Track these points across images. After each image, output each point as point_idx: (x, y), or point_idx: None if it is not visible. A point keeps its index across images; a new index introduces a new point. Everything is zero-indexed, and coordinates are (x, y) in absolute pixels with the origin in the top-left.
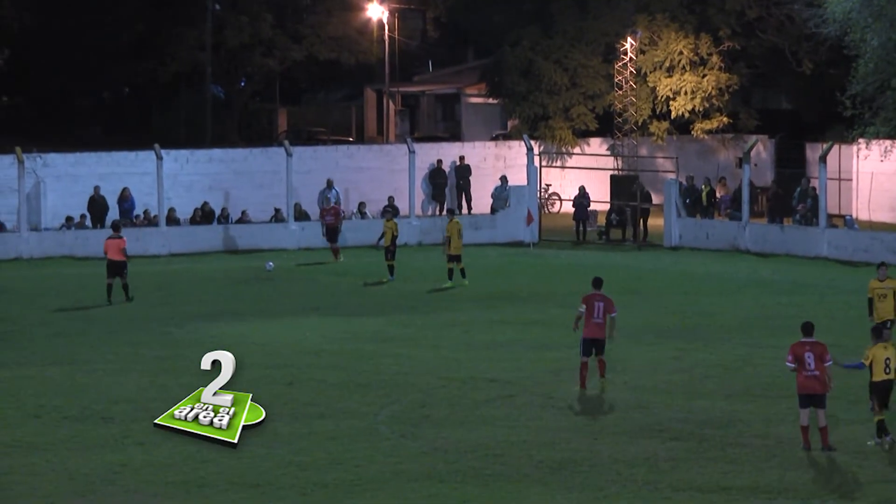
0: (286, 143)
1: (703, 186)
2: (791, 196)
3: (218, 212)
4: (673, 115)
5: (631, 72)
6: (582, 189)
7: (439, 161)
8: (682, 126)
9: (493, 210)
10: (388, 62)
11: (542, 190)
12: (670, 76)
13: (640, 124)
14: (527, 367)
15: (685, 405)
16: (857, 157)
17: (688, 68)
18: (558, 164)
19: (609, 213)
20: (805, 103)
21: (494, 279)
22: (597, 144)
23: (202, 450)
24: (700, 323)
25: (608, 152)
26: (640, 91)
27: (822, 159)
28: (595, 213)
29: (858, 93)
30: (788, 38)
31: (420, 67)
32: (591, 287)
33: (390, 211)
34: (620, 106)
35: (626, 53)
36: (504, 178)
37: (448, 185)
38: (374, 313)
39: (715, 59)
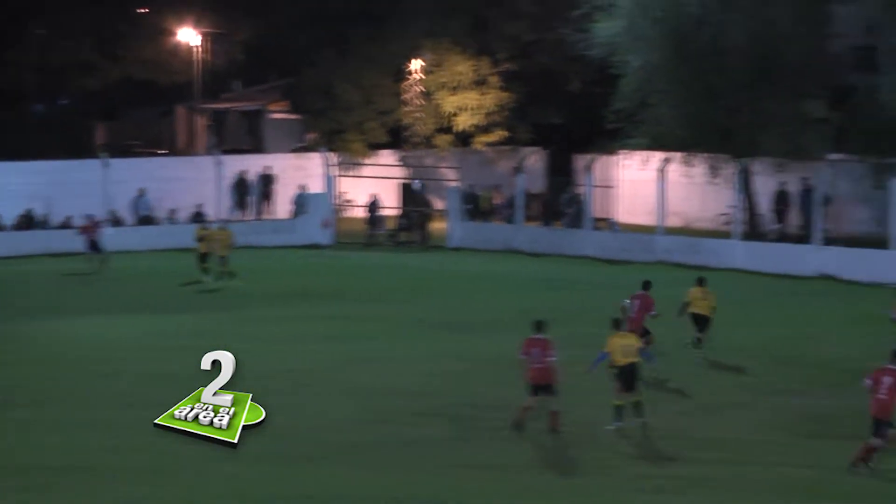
0: (103, 155)
1: (482, 193)
2: (560, 201)
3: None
4: (457, 129)
5: (418, 90)
6: (374, 196)
7: (244, 171)
8: (464, 139)
9: (294, 215)
10: (197, 82)
11: (338, 197)
12: (455, 94)
13: (426, 138)
14: (321, 359)
15: (466, 391)
16: (620, 166)
17: (470, 88)
18: (353, 173)
19: (399, 217)
20: (574, 118)
21: (292, 279)
22: (387, 156)
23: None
24: (480, 317)
25: (398, 163)
26: (426, 108)
27: (588, 168)
28: (385, 217)
29: (621, 109)
30: (559, 59)
31: (228, 86)
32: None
33: (205, 218)
34: (409, 121)
35: (412, 74)
36: (303, 187)
37: (252, 194)
38: (182, 310)
39: (494, 79)
